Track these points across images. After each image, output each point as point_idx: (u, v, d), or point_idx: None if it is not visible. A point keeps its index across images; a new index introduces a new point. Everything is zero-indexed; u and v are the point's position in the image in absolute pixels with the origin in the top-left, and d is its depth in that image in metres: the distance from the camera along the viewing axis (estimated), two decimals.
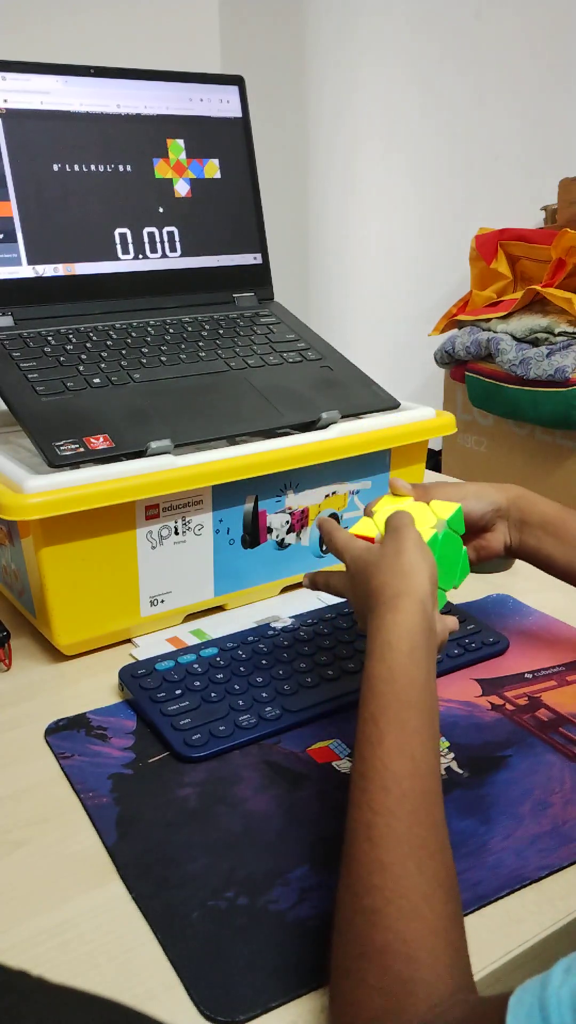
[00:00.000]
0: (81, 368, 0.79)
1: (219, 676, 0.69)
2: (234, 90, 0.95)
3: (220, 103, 0.94)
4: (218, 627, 0.80)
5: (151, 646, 0.77)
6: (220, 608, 0.83)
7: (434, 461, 2.18)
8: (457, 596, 0.85)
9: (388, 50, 2.41)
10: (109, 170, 0.88)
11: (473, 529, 0.70)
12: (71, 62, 0.86)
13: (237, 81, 0.96)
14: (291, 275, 2.72)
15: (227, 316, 0.93)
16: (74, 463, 0.69)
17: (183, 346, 0.85)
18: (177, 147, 0.92)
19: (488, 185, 2.30)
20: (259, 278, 0.98)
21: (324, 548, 0.86)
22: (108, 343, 0.83)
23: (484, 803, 0.57)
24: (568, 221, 1.84)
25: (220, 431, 0.77)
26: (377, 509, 0.63)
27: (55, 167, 0.85)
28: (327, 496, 0.85)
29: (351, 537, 0.61)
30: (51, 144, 0.84)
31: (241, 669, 0.70)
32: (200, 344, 0.87)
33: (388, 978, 0.38)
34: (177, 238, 0.92)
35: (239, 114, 0.96)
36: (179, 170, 0.92)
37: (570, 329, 1.70)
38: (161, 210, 0.91)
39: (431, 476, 1.22)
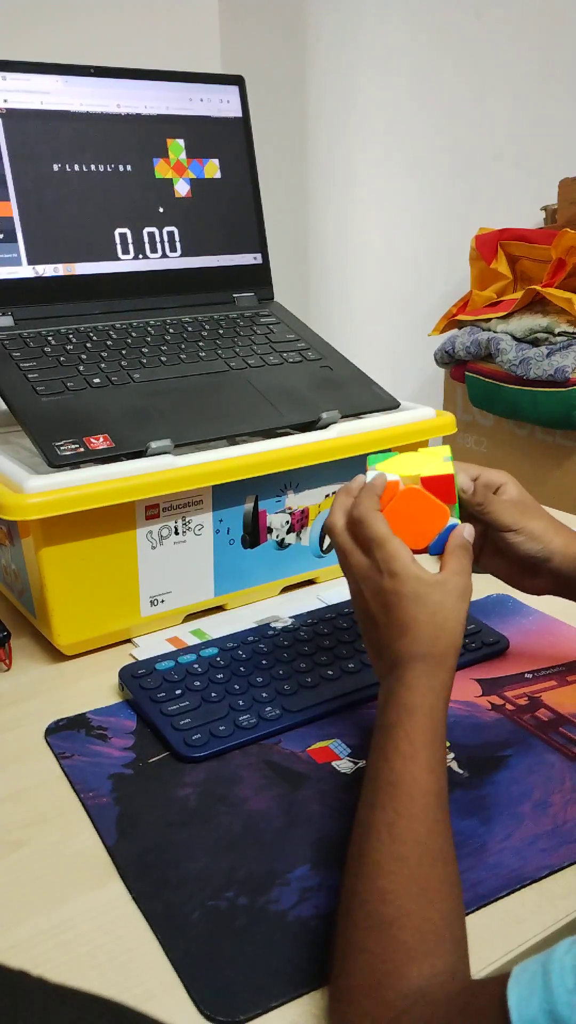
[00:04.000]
0: (81, 368, 0.79)
1: (219, 676, 0.69)
2: (234, 90, 0.95)
3: (220, 103, 0.94)
4: (218, 627, 0.80)
5: (151, 646, 0.77)
6: (220, 608, 0.83)
7: None
8: None
9: (388, 50, 2.41)
10: (109, 170, 0.88)
11: (515, 562, 0.65)
12: (71, 62, 0.86)
13: (237, 81, 0.95)
14: (291, 275, 2.72)
15: (227, 316, 0.93)
16: (74, 463, 0.69)
17: (183, 346, 0.85)
18: (177, 147, 0.92)
19: (488, 185, 2.30)
20: (259, 278, 0.98)
21: (325, 548, 0.86)
22: (108, 343, 0.83)
23: (484, 803, 0.57)
24: (568, 221, 1.84)
25: (220, 431, 0.77)
26: (382, 470, 0.62)
27: (55, 167, 0.85)
28: (327, 496, 0.85)
29: (403, 548, 0.55)
30: (51, 144, 0.84)
31: (241, 669, 0.70)
32: (200, 344, 0.87)
33: (392, 947, 0.40)
34: (177, 238, 0.92)
35: (239, 114, 0.96)
36: (179, 170, 0.92)
37: (570, 329, 1.70)
38: (161, 210, 0.91)
39: None
